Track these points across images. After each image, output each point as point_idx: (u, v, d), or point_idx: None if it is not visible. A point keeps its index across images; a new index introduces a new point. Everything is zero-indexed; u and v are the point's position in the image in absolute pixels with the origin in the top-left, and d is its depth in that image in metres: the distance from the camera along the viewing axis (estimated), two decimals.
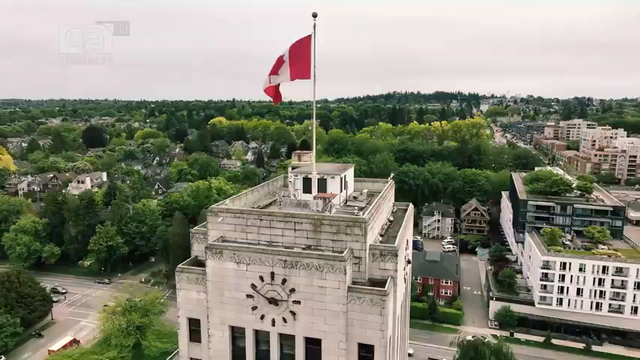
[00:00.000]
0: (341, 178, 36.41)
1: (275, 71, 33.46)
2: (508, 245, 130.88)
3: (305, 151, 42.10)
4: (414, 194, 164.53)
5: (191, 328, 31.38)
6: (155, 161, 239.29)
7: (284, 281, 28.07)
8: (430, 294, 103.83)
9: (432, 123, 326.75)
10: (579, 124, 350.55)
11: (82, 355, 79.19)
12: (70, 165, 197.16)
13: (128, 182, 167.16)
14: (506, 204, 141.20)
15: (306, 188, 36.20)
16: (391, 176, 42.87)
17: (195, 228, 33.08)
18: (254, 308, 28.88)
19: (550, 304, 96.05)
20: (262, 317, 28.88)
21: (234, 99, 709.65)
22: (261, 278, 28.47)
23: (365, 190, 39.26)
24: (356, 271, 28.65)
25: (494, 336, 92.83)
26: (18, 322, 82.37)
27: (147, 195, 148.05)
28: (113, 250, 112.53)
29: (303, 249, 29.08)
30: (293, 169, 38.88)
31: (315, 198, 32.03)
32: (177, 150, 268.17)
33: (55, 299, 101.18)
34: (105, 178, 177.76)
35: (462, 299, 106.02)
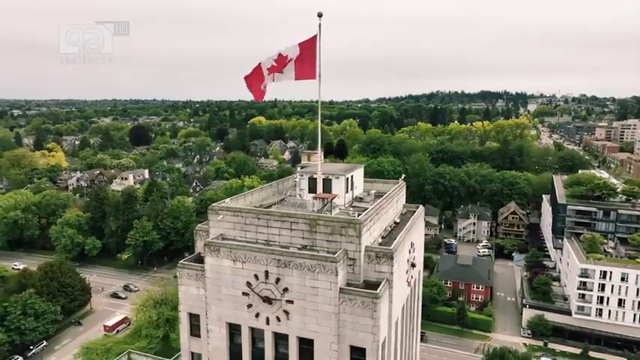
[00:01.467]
0: (347, 179, 36.17)
1: (279, 69, 33.33)
2: (547, 251, 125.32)
3: (314, 151, 42.05)
4: (450, 196, 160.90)
5: (191, 323, 32.16)
6: (195, 159, 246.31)
7: (277, 280, 28.23)
8: (460, 299, 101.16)
9: (473, 123, 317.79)
10: (635, 125, 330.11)
11: (115, 344, 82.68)
12: (116, 162, 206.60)
13: (168, 179, 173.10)
14: (546, 208, 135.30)
15: (312, 188, 36.25)
16: (402, 177, 42.09)
17: (199, 225, 33.85)
18: (249, 306, 29.23)
19: (588, 315, 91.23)
20: (257, 315, 29.18)
21: (276, 99, 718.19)
22: (256, 276, 28.77)
23: (373, 191, 38.83)
24: (350, 273, 28.41)
25: (526, 345, 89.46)
26: (58, 309, 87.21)
27: (184, 192, 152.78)
28: (149, 244, 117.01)
29: (299, 249, 29.15)
30: (302, 168, 39.06)
31: (314, 198, 32.02)
32: (218, 149, 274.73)
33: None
34: (147, 175, 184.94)
35: (494, 305, 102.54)
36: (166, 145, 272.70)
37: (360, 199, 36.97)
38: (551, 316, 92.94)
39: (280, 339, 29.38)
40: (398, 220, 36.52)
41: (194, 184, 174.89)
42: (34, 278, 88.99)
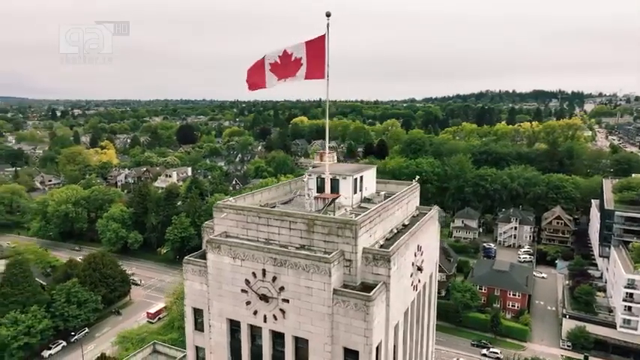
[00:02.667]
0: (355, 179, 35.86)
1: (288, 71, 33.23)
2: (594, 259, 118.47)
3: (328, 152, 41.95)
4: (491, 199, 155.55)
5: (195, 317, 33.05)
6: (237, 158, 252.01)
7: (274, 279, 28.45)
8: (495, 305, 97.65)
9: (521, 124, 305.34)
10: None
11: (150, 334, 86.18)
12: (162, 160, 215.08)
13: (209, 177, 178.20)
14: (595, 213, 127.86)
15: (320, 188, 36.23)
16: (416, 179, 41.21)
17: (206, 222, 34.67)
18: (248, 303, 29.64)
19: (635, 329, 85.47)
20: (255, 313, 29.54)
21: (320, 99, 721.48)
22: (254, 274, 29.13)
23: (382, 193, 38.26)
24: (347, 274, 28.20)
25: (564, 357, 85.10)
26: (99, 299, 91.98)
27: (224, 190, 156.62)
28: (186, 240, 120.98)
29: (297, 248, 29.26)
30: (313, 168, 39.12)
31: (315, 198, 32.00)
32: (259, 148, 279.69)
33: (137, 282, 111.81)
34: (190, 173, 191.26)
35: (532, 314, 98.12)
36: (211, 144, 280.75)
37: (369, 200, 36.50)
38: (593, 329, 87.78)
39: (277, 337, 29.58)
40: (407, 222, 35.79)
41: (234, 182, 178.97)
42: (78, 268, 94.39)
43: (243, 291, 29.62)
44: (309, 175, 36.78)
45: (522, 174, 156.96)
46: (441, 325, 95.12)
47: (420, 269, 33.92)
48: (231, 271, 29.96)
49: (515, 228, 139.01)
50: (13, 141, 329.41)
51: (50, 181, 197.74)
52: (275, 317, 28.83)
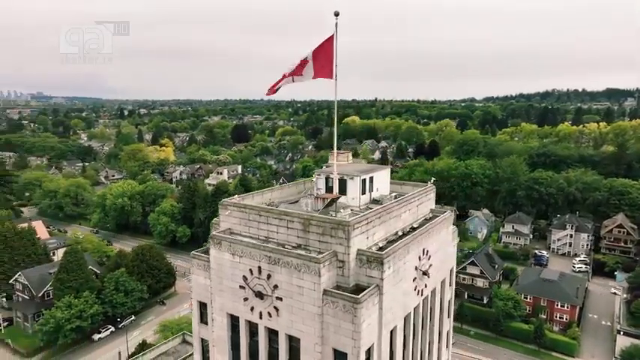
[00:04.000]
0: (363, 180, 35.47)
1: (299, 72, 33.58)
2: None
3: (343, 151, 41.79)
4: (545, 204, 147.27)
5: (201, 310, 34.17)
6: (288, 157, 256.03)
7: (269, 277, 28.82)
8: (541, 316, 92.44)
9: (586, 124, 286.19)
10: None
11: (189, 325, 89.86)
12: (214, 158, 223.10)
13: (258, 175, 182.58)
14: None
15: (328, 188, 36.23)
16: (431, 180, 40.01)
17: (215, 219, 35.67)
18: (245, 299, 30.23)
19: None
20: (252, 309, 30.06)
21: (376, 98, 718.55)
22: (251, 271, 29.66)
23: (394, 194, 37.52)
24: (340, 275, 28.01)
25: None
26: (145, 289, 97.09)
27: (270, 188, 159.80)
28: None
29: (294, 247, 29.47)
30: (327, 167, 39.13)
31: (315, 198, 32.00)
32: (310, 147, 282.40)
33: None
34: (240, 171, 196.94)
35: (583, 328, 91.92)
36: (263, 142, 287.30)
37: (378, 202, 35.91)
38: None
39: (273, 334, 29.95)
40: (415, 225, 34.87)
41: (281, 181, 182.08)
42: (127, 259, 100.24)
43: (241, 287, 30.26)
44: (318, 175, 36.87)
45: (581, 178, 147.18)
46: (481, 334, 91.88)
47: (425, 274, 32.92)
48: (230, 267, 30.70)
49: (571, 235, 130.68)
50: (85, 138, 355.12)
51: (113, 176, 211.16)
52: (270, 314, 29.21)
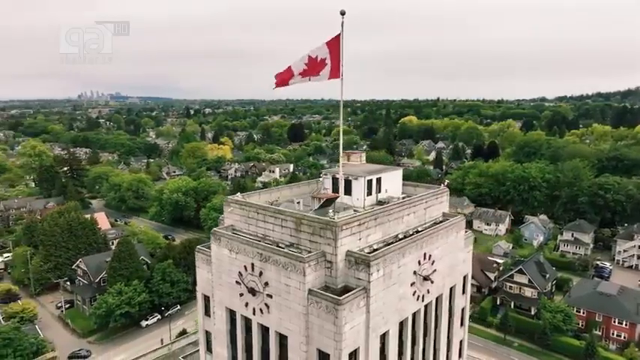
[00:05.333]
0: (368, 181, 35.01)
1: (313, 72, 33.61)
2: None
3: (355, 152, 41.37)
4: (611, 211, 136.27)
5: (205, 303, 35.35)
6: None
7: (260, 274, 29.32)
8: (595, 332, 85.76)
9: None
10: None
11: None
12: (268, 156, 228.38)
13: (308, 174, 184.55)
14: None
15: (335, 188, 36.11)
16: (445, 183, 38.51)
17: (222, 216, 36.72)
18: (241, 295, 30.95)
19: None
20: (247, 305, 30.75)
21: (438, 98, 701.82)
22: (245, 267, 30.33)
23: (402, 195, 36.59)
24: (328, 276, 27.93)
25: None
26: (190, 280, 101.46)
27: None
28: None
29: (287, 246, 29.75)
30: (338, 167, 38.96)
31: (312, 197, 31.98)
32: (364, 147, 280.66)
33: None
34: (291, 169, 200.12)
35: None
36: (317, 142, 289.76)
37: (380, 203, 35.24)
38: None
39: (265, 331, 30.43)
40: (419, 229, 33.79)
41: None
42: (175, 251, 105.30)
43: (237, 282, 31.02)
44: (325, 175, 36.87)
45: None
46: (526, 347, 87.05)
47: (427, 279, 31.85)
48: (228, 262, 31.55)
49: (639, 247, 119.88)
50: (153, 136, 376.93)
51: (174, 172, 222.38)
52: (261, 311, 29.72)
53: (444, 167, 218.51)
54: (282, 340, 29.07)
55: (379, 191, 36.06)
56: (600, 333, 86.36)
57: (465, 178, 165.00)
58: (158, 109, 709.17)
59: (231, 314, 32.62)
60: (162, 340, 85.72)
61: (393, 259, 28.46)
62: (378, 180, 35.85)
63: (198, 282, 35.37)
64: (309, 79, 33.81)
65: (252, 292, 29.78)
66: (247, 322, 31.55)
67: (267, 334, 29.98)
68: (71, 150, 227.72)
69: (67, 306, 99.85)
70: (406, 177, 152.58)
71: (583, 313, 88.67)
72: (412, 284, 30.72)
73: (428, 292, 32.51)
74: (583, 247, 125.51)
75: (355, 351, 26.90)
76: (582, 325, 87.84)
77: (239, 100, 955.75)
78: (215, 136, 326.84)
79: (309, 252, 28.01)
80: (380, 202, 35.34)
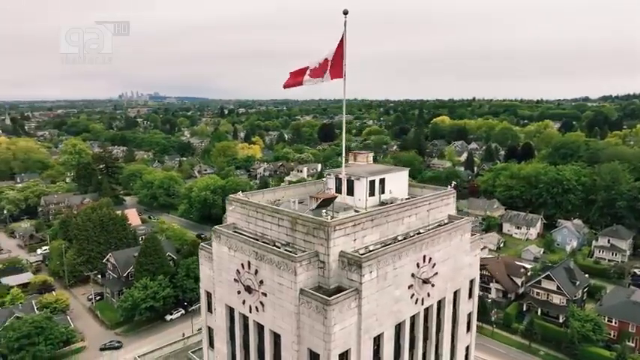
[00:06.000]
0: (370, 182, 34.70)
1: (320, 74, 33.59)
2: None
3: (362, 152, 41.05)
4: None
5: (208, 300, 35.95)
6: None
7: (256, 272, 29.61)
8: (628, 344, 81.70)
9: None
10: None
11: None
12: (297, 156, 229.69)
13: None
14: None
15: (338, 189, 36.00)
16: (452, 184, 37.65)
17: (225, 215, 37.27)
18: (239, 292, 31.34)
19: None
20: (244, 302, 31.10)
21: (474, 98, 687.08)
22: (242, 266, 30.69)
23: (405, 197, 36.01)
24: (321, 276, 27.90)
25: None
26: None
27: None
28: None
29: (283, 245, 29.90)
30: (346, 167, 38.83)
31: (310, 197, 31.95)
32: (395, 147, 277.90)
33: None
34: (319, 169, 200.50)
35: None
36: (347, 142, 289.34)
37: (382, 204, 34.79)
38: None
39: (261, 329, 30.66)
40: (421, 231, 33.18)
41: None
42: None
43: (235, 280, 31.42)
44: (329, 175, 36.78)
45: None
46: (552, 356, 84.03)
47: (427, 282, 31.24)
48: (227, 260, 32.01)
49: None
50: (188, 135, 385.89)
51: (205, 170, 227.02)
52: (257, 309, 30.00)
53: (475, 169, 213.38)
54: (277, 338, 29.24)
55: (383, 192, 35.67)
56: (633, 344, 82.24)
57: (496, 180, 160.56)
58: (194, 109, 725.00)
59: (231, 311, 33.08)
60: (183, 333, 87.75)
61: (387, 260, 28.09)
62: (382, 181, 35.46)
63: (201, 278, 36.09)
64: (315, 82, 33.78)
65: (249, 289, 30.09)
66: (245, 320, 31.91)
67: (263, 332, 30.22)
68: (108, 148, 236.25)
69: (97, 298, 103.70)
70: (435, 178, 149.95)
71: (615, 322, 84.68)
72: (410, 287, 30.22)
73: (428, 295, 31.91)
74: (620, 254, 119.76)
75: (346, 352, 26.75)
76: (614, 336, 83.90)
77: (273, 100, 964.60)
78: (247, 136, 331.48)
79: (303, 252, 28.05)
80: (383, 203, 34.94)
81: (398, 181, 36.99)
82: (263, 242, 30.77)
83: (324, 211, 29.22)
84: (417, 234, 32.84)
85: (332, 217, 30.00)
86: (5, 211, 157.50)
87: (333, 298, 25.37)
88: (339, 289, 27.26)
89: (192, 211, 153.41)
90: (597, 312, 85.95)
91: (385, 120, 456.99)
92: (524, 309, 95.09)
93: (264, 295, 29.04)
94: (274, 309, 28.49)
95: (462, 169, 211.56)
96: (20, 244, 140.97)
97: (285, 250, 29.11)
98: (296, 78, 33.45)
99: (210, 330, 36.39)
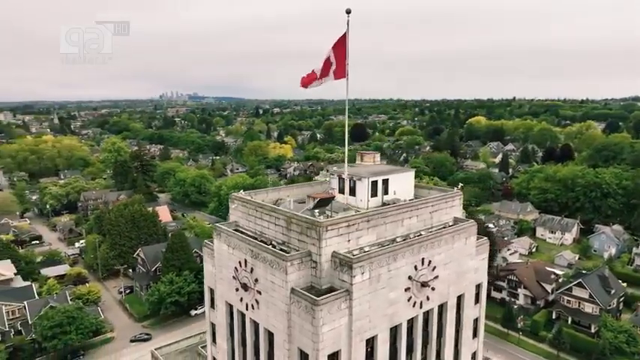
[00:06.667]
0: (372, 182, 34.28)
1: (326, 73, 33.58)
2: None
3: (368, 152, 40.61)
4: None
5: (211, 296, 36.54)
6: (402, 157, 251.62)
7: (252, 270, 29.89)
8: None
9: None
10: None
11: None
12: (327, 156, 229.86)
13: None
14: None
15: (340, 189, 35.82)
16: (459, 186, 36.69)
17: (229, 212, 37.71)
18: (237, 289, 31.73)
19: None
20: (241, 300, 31.47)
21: (514, 97, 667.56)
22: (240, 263, 31.04)
23: (408, 198, 35.36)
24: (313, 276, 27.87)
25: None
26: None
27: None
28: None
29: (279, 244, 30.05)
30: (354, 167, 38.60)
31: (307, 196, 31.89)
32: (428, 148, 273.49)
33: None
34: None
35: None
36: (377, 142, 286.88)
37: (384, 205, 34.27)
38: None
39: (256, 326, 30.91)
40: (422, 233, 32.52)
41: None
42: None
43: (233, 277, 31.84)
44: (332, 175, 36.63)
45: None
46: None
47: (425, 285, 30.58)
48: (227, 257, 32.47)
49: None
50: (223, 134, 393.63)
51: (237, 169, 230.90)
52: (252, 307, 30.28)
53: (510, 170, 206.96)
54: (270, 336, 29.43)
55: (386, 193, 35.18)
56: None
57: (530, 182, 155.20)
58: (230, 109, 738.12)
59: (230, 308, 33.54)
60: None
61: (381, 262, 27.71)
62: (385, 181, 34.96)
63: (205, 275, 36.73)
64: (321, 82, 33.77)
65: (245, 287, 30.43)
66: (242, 317, 32.27)
67: (258, 329, 30.47)
68: (146, 147, 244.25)
69: (127, 291, 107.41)
70: (466, 180, 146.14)
71: None
72: (407, 289, 29.69)
73: (428, 299, 31.24)
74: None
75: (336, 353, 26.58)
76: None
77: (308, 100, 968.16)
78: (279, 135, 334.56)
79: (297, 251, 28.10)
80: (385, 204, 34.47)
81: (403, 182, 36.37)
82: (261, 241, 31.06)
83: (316, 211, 29.12)
84: (418, 236, 32.23)
85: (329, 217, 29.94)
86: (48, 206, 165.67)
87: (321, 298, 25.27)
88: (331, 290, 27.13)
89: (221, 208, 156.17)
90: (633, 323, 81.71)
91: (419, 120, 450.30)
92: (554, 317, 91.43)
93: (259, 293, 29.28)
94: (268, 307, 28.68)
95: (497, 170, 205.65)
96: (60, 237, 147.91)
97: (281, 249, 29.26)
98: (310, 79, 33.49)
99: (213, 326, 36.99)
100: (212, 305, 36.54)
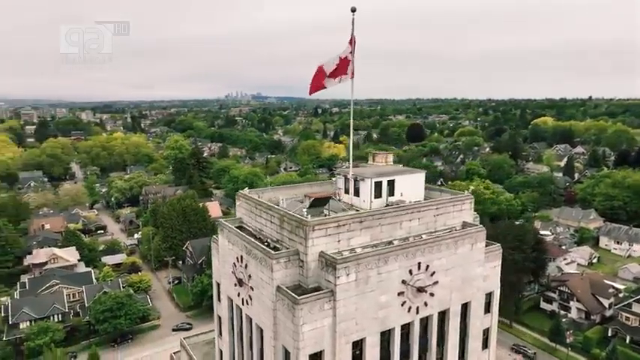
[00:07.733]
0: (376, 183, 33.60)
1: (344, 71, 33.31)
2: None
3: (381, 152, 39.75)
4: None
5: (218, 290, 37.54)
6: (459, 159, 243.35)
7: (246, 266, 30.42)
8: None
9: None
10: None
11: None
12: None
13: None
14: None
15: (346, 189, 35.49)
16: (469, 190, 34.92)
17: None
18: (235, 285, 32.43)
19: None
20: (239, 295, 32.12)
21: (590, 97, 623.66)
22: (237, 259, 31.70)
23: (412, 200, 34.21)
24: (301, 275, 27.88)
25: None
26: None
27: None
28: None
29: (274, 241, 30.36)
30: (366, 167, 38.16)
31: (305, 196, 31.82)
32: (487, 149, 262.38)
33: None
34: None
35: None
36: (434, 143, 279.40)
37: (387, 206, 33.41)
38: None
39: (250, 322, 31.40)
40: (424, 236, 31.35)
41: (439, 183, 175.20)
42: None
43: (232, 272, 32.58)
44: (338, 175, 36.34)
45: None
46: None
47: (422, 291, 29.50)
48: (228, 253, 33.31)
49: None
50: (281, 133, 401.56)
51: (291, 167, 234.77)
52: (247, 302, 30.83)
53: (575, 175, 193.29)
54: (261, 332, 29.81)
55: (392, 194, 34.31)
56: None
57: (595, 188, 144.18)
58: (291, 109, 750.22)
59: (231, 303, 34.32)
60: None
61: (370, 264, 27.13)
62: (390, 182, 34.09)
63: (213, 269, 37.81)
64: (340, 80, 33.56)
65: (240, 282, 31.04)
66: (240, 312, 32.92)
67: (251, 324, 30.97)
68: (200, 145, 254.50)
69: (175, 282, 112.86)
70: (525, 184, 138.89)
71: None
72: (400, 294, 28.82)
73: (425, 304, 30.14)
74: None
75: (319, 353, 26.40)
76: None
77: (368, 100, 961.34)
78: (335, 135, 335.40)
79: (288, 249, 28.25)
80: (386, 206, 33.68)
81: (411, 184, 35.27)
82: (260, 238, 31.54)
83: (305, 210, 29.03)
84: (416, 240, 31.19)
85: (326, 217, 29.78)
86: (113, 199, 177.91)
87: (301, 297, 25.23)
88: (317, 290, 26.99)
89: None
90: None
91: (482, 120, 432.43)
92: (610, 334, 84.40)
93: (252, 289, 29.74)
94: (259, 303, 29.08)
95: (560, 174, 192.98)
96: (122, 228, 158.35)
97: (275, 246, 29.55)
98: (318, 82, 33.27)
99: (219, 319, 38.02)
100: (219, 299, 37.56)
